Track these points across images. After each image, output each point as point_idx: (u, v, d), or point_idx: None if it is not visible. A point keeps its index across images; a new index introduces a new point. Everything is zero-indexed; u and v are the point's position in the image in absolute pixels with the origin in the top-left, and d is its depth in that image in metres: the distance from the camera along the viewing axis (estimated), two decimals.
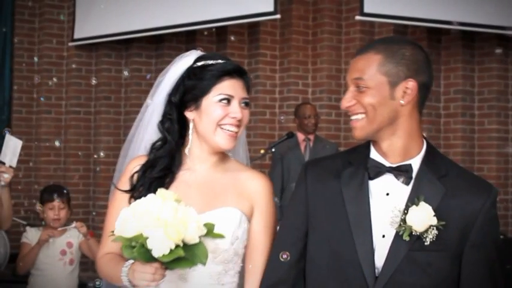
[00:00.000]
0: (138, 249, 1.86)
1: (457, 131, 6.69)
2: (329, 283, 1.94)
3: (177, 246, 1.86)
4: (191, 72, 2.21)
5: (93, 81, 6.91)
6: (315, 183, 2.01)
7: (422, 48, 1.95)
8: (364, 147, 1.99)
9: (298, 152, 5.71)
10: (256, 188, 2.21)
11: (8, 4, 7.19)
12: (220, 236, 1.98)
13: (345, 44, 7.08)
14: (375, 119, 1.89)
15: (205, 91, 2.16)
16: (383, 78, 1.88)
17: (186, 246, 1.88)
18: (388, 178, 1.91)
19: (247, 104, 2.21)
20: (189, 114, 2.21)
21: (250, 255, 2.19)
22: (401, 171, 1.90)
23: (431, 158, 1.94)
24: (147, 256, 1.87)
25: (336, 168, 1.99)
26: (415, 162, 1.92)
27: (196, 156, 2.23)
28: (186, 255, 1.87)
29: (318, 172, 2.03)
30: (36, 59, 7.27)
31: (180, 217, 1.88)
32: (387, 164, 1.91)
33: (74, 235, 4.38)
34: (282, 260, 2.01)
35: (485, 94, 6.69)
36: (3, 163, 3.84)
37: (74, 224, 4.35)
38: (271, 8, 6.00)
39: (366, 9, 6.00)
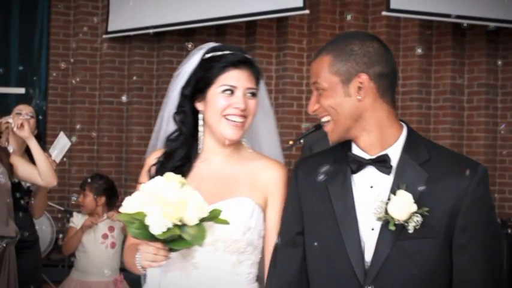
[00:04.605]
0: (137, 226, 1.88)
1: (480, 123, 6.78)
2: (323, 281, 1.92)
3: (175, 225, 1.87)
4: (201, 65, 2.20)
5: None
6: (304, 181, 1.99)
7: (375, 37, 1.90)
8: (347, 142, 1.94)
9: (326, 143, 5.74)
10: (269, 177, 2.17)
11: None
12: (225, 222, 1.95)
13: None
14: (339, 119, 1.87)
15: (210, 82, 2.15)
16: (335, 78, 1.86)
17: (185, 227, 1.89)
18: (370, 171, 1.87)
19: (253, 94, 2.18)
20: (199, 106, 2.20)
21: (267, 245, 2.15)
22: (380, 162, 1.86)
23: (412, 144, 1.88)
24: (145, 234, 1.89)
25: (322, 165, 1.96)
26: (394, 151, 1.87)
27: (209, 147, 2.22)
28: (184, 235, 1.88)
29: (306, 170, 2.00)
30: (70, 51, 7.48)
31: (180, 197, 1.88)
32: (367, 156, 1.88)
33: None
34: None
35: (509, 88, 6.76)
36: (50, 155, 4.13)
37: (105, 216, 4.52)
38: (300, 4, 6.09)
39: (392, 5, 6.06)
